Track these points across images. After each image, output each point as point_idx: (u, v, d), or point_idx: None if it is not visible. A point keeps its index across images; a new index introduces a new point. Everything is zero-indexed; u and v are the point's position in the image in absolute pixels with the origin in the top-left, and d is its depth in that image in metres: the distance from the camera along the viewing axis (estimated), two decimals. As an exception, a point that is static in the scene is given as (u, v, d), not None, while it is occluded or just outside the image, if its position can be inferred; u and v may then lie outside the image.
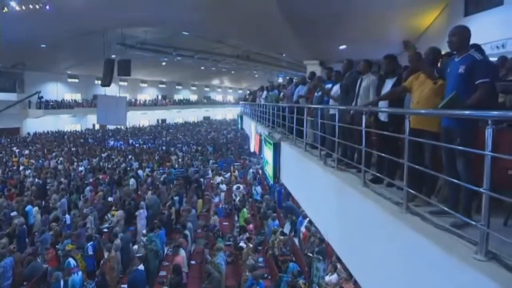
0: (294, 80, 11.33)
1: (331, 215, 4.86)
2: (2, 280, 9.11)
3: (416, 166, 3.34)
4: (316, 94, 8.04)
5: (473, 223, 2.59)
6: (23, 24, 21.78)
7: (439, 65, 4.19)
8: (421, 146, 3.75)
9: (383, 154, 4.13)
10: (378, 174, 4.19)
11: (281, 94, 12.16)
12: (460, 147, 3.01)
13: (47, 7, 18.47)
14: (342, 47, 17.54)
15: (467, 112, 2.98)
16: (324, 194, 5.19)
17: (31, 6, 18.63)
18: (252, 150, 17.52)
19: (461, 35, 3.49)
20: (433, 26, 14.51)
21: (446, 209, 3.03)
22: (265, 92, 15.52)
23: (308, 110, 7.12)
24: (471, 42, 3.59)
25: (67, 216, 13.08)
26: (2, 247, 10.41)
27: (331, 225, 4.88)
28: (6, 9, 18.61)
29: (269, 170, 9.43)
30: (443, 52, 4.42)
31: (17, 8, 18.69)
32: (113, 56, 25.58)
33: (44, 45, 28.77)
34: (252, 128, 15.80)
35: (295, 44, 19.83)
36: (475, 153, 2.72)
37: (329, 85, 7.23)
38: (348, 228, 4.28)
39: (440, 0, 13.41)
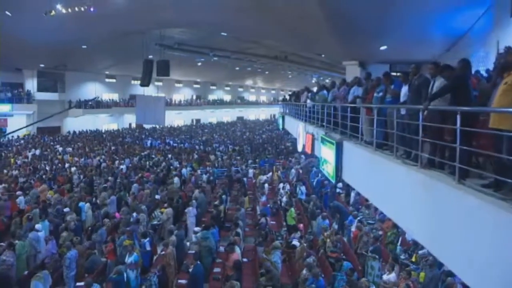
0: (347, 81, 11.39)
1: (418, 212, 4.85)
2: (68, 271, 9.51)
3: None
4: (376, 94, 8.08)
5: None
6: (68, 26, 22.50)
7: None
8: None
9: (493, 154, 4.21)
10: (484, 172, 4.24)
11: (329, 95, 12.18)
12: None
13: (92, 9, 18.95)
14: (383, 47, 17.39)
15: None
16: (407, 192, 5.17)
17: (76, 9, 19.15)
18: (300, 149, 17.55)
19: None
20: (477, 26, 14.20)
21: None
22: (310, 93, 15.60)
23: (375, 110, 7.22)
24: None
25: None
26: (64, 240, 10.88)
27: (419, 223, 4.86)
28: (53, 12, 19.18)
29: (329, 169, 9.44)
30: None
31: (63, 11, 19.25)
32: (150, 56, 26.12)
33: (85, 46, 29.62)
34: (300, 128, 15.83)
35: (335, 45, 19.77)
36: None
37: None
38: (442, 225, 4.26)
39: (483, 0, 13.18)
